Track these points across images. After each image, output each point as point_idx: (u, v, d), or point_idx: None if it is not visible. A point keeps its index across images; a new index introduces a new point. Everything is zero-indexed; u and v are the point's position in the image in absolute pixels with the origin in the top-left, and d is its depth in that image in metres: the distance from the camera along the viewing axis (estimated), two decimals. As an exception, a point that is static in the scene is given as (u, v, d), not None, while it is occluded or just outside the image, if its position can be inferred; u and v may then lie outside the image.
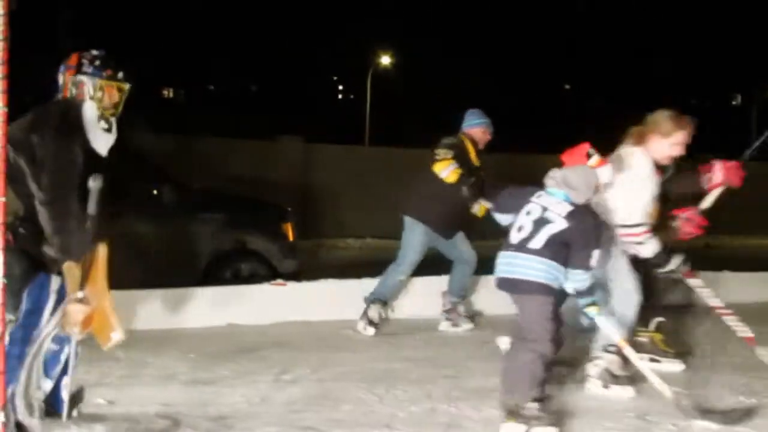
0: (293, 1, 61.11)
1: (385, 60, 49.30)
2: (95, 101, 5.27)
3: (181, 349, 8.77)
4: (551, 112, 56.78)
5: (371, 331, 10.08)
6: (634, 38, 60.82)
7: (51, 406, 5.34)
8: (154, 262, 11.36)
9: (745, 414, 6.51)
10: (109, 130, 5.34)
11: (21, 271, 5.06)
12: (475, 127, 10.52)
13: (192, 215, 12.16)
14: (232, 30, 58.26)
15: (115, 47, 5.41)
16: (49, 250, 5.12)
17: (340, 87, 73.26)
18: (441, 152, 10.00)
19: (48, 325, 5.12)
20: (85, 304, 5.03)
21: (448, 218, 10.23)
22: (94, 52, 5.37)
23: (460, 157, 10.01)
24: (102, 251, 5.20)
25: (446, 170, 9.88)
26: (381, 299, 10.33)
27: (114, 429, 6.05)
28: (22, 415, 5.04)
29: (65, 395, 5.44)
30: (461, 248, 10.65)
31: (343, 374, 7.95)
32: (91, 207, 5.05)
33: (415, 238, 10.22)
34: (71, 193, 5.04)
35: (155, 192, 11.84)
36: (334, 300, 11.14)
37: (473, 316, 10.88)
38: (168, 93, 65.53)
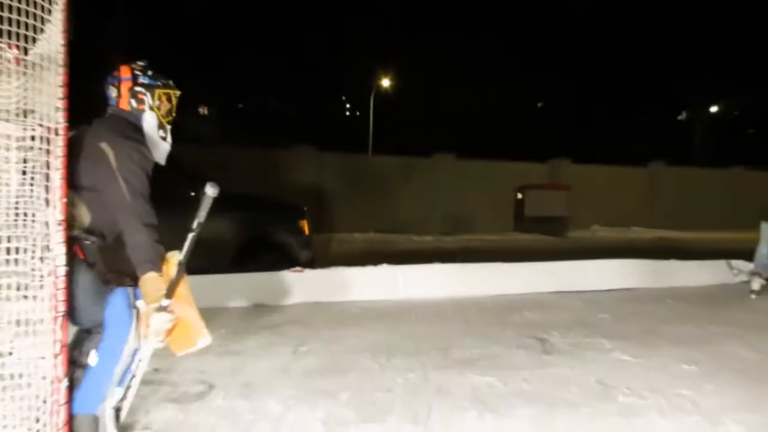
0: (309, 35, 61.32)
1: (386, 83, 49.25)
2: (155, 110, 4.80)
3: (214, 325, 8.78)
4: (525, 127, 56.78)
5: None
6: (596, 64, 60.93)
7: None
8: (191, 253, 11.35)
9: None
10: (165, 138, 4.85)
11: (92, 285, 4.48)
12: None
13: (224, 214, 12.17)
14: (257, 57, 58.36)
15: (161, 71, 5.01)
16: (122, 263, 4.56)
17: (348, 105, 73.09)
18: None
19: (133, 341, 4.55)
20: (170, 313, 4.44)
21: None
22: (141, 63, 4.87)
23: None
24: (174, 261, 4.57)
25: None
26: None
27: (158, 391, 6.08)
28: (110, 428, 4.63)
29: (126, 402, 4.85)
30: None
31: (350, 347, 7.96)
32: (202, 214, 4.53)
33: None
34: (147, 201, 4.49)
35: (192, 194, 11.86)
36: (343, 284, 11.18)
37: None
38: (203, 110, 65.37)
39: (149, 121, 4.79)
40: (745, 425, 5.40)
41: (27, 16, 3.85)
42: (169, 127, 4.88)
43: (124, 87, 4.77)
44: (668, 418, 5.61)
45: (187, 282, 4.58)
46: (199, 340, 4.58)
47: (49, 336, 3.97)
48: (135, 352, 4.64)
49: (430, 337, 8.47)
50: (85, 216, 4.50)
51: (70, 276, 4.23)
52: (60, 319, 3.97)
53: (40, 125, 4.00)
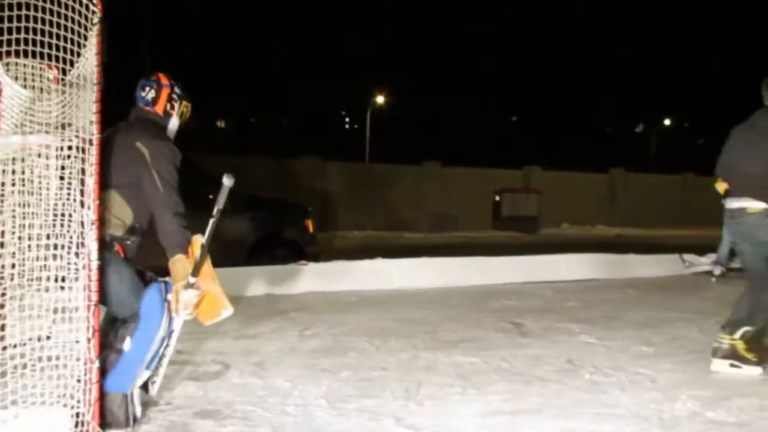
0: (314, 58, 61.52)
1: (380, 99, 49.32)
2: (179, 117, 4.87)
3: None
4: (502, 138, 56.95)
5: None
6: (564, 82, 61.14)
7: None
8: (210, 248, 11.32)
9: None
10: None
11: (132, 280, 4.46)
12: None
13: (240, 214, 12.18)
14: (268, 77, 58.45)
15: (186, 91, 5.04)
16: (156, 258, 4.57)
17: (347, 119, 73.12)
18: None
19: (162, 330, 4.53)
20: (196, 289, 4.45)
21: None
22: (170, 76, 4.92)
23: None
24: (198, 244, 4.57)
25: (718, 187, 11.42)
26: None
27: (181, 371, 6.03)
28: (137, 405, 4.65)
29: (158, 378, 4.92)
30: None
31: (350, 330, 7.93)
32: (221, 201, 4.60)
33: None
34: (176, 193, 4.55)
35: (211, 197, 11.85)
36: (344, 276, 11.17)
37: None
38: (221, 123, 65.25)
39: (173, 125, 4.85)
40: (698, 400, 5.36)
41: (66, 41, 3.84)
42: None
43: (165, 92, 4.81)
44: (629, 393, 5.57)
45: (210, 262, 4.62)
46: (223, 311, 4.63)
47: (83, 322, 3.94)
48: (164, 340, 4.63)
49: (419, 322, 8.44)
50: (128, 214, 4.52)
51: (114, 272, 4.27)
52: (93, 308, 3.93)
53: (77, 136, 3.98)
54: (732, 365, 6.18)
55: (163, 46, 34.83)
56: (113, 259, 4.32)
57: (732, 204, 6.33)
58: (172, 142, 4.73)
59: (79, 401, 3.94)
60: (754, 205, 6.16)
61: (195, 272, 4.46)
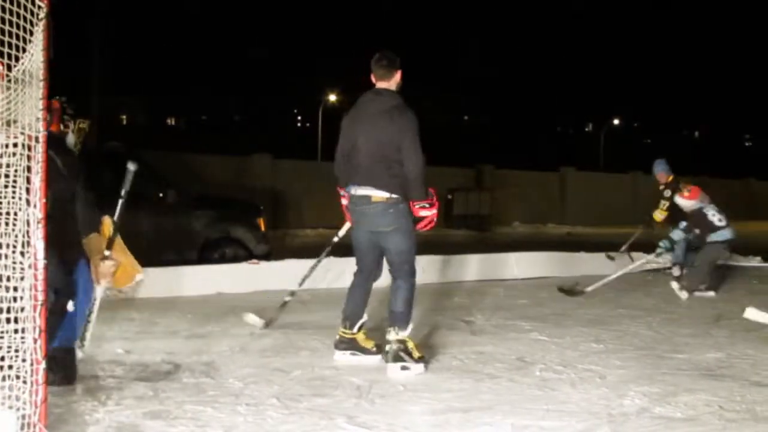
0: (266, 56, 61.30)
1: (333, 97, 49.28)
2: (74, 133, 5.62)
3: (182, 311, 8.69)
4: (454, 137, 57.28)
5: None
6: (514, 83, 61.68)
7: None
8: (161, 247, 11.28)
9: None
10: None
11: (56, 261, 4.97)
12: (656, 173, 13.00)
13: (189, 212, 12.10)
14: (220, 74, 58.13)
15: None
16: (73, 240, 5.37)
17: (299, 117, 72.92)
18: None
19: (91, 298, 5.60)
20: (111, 260, 5.44)
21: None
22: (64, 99, 5.59)
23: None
24: (109, 223, 5.59)
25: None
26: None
27: (130, 371, 5.97)
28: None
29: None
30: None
31: (301, 329, 7.91)
32: (127, 185, 5.70)
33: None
34: (87, 188, 5.50)
35: (161, 195, 11.76)
36: (295, 274, 11.08)
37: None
38: (171, 121, 64.71)
39: (70, 140, 5.62)
40: (646, 396, 5.43)
41: (11, 36, 3.76)
42: (78, 146, 5.71)
43: (56, 115, 5.49)
44: (579, 389, 5.62)
45: (120, 237, 5.64)
46: (136, 275, 5.81)
47: (30, 323, 3.88)
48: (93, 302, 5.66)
49: (371, 319, 8.43)
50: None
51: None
52: (39, 308, 3.87)
53: (23, 134, 3.92)
54: (353, 354, 6.64)
55: (112, 45, 34.49)
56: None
57: (357, 191, 6.35)
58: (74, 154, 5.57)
59: (25, 402, 3.88)
60: (377, 194, 6.26)
61: (109, 246, 5.46)
